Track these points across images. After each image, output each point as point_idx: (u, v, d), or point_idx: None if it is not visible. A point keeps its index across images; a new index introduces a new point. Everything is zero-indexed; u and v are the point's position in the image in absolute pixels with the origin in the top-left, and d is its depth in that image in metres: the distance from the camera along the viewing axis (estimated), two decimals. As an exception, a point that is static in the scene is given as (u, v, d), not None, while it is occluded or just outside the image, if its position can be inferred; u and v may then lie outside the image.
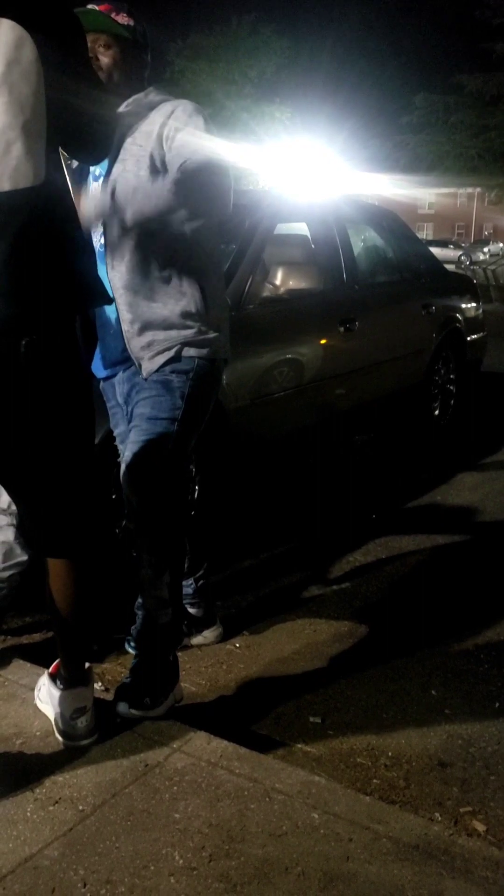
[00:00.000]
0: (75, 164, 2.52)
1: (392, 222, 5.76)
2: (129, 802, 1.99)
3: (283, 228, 4.44)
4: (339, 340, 4.48)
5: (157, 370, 2.33)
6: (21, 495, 2.10)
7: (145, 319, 2.31)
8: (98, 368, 2.50)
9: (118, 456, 2.88)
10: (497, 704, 2.69)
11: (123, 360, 2.40)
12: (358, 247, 5.23)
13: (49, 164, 1.82)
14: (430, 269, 5.98)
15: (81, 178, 2.43)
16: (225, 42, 30.54)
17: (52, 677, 2.24)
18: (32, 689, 2.37)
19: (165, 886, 1.74)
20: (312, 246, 4.61)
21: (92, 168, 2.40)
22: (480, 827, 2.12)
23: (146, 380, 2.35)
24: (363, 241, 5.52)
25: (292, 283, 3.95)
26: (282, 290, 3.96)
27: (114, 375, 2.48)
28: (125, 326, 2.33)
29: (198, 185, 2.18)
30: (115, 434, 2.65)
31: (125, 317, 2.32)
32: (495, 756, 2.42)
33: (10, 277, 1.79)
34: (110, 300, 2.22)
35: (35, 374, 1.87)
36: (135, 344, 2.33)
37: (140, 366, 2.35)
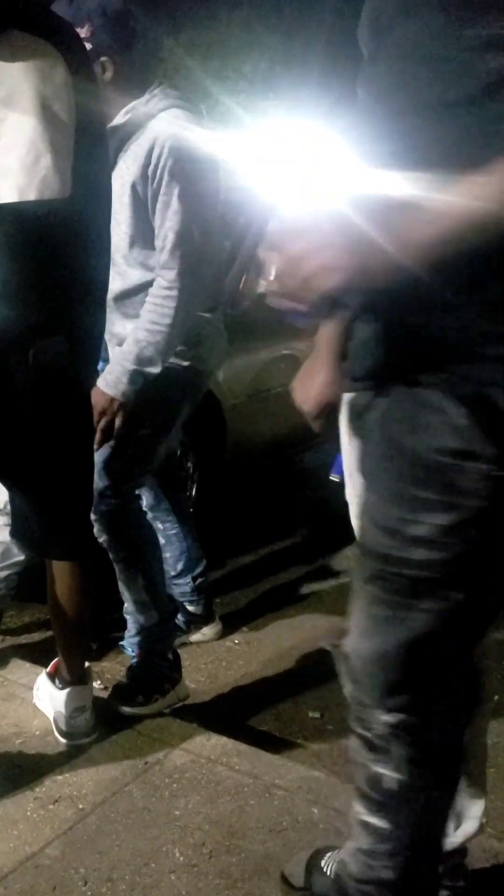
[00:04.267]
0: None
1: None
2: (129, 800, 1.99)
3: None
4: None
5: None
6: (25, 498, 2.10)
7: (121, 336, 2.30)
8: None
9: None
10: (496, 697, 2.68)
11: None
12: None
13: (87, 179, 1.82)
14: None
15: None
16: (218, 38, 30.48)
17: (51, 676, 2.24)
18: (31, 689, 2.37)
19: (166, 883, 1.75)
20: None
21: None
22: (480, 820, 2.12)
23: None
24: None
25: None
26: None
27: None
28: (106, 335, 2.29)
29: (175, 269, 2.20)
30: None
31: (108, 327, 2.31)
32: (494, 749, 2.41)
33: (26, 284, 1.80)
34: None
35: (41, 381, 1.88)
36: (114, 353, 2.31)
37: None
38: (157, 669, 2.44)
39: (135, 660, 2.49)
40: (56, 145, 1.76)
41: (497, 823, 2.12)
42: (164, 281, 2.21)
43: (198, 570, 2.87)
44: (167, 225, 2.19)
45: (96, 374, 2.14)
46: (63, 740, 2.19)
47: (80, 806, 1.97)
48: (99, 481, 2.27)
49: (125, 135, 2.23)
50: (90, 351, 2.00)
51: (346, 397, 1.47)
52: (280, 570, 3.59)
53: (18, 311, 1.81)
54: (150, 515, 2.74)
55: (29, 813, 1.95)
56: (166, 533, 2.79)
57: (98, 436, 2.23)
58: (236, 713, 2.57)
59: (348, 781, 2.19)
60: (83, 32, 2.15)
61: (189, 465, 3.56)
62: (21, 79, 1.71)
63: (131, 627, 2.53)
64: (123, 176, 2.21)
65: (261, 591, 3.41)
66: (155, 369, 2.24)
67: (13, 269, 1.78)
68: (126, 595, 2.47)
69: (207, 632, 2.97)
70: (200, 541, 2.89)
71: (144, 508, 2.71)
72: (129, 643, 2.57)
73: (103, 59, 2.20)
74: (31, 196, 1.75)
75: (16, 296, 1.80)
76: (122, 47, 2.23)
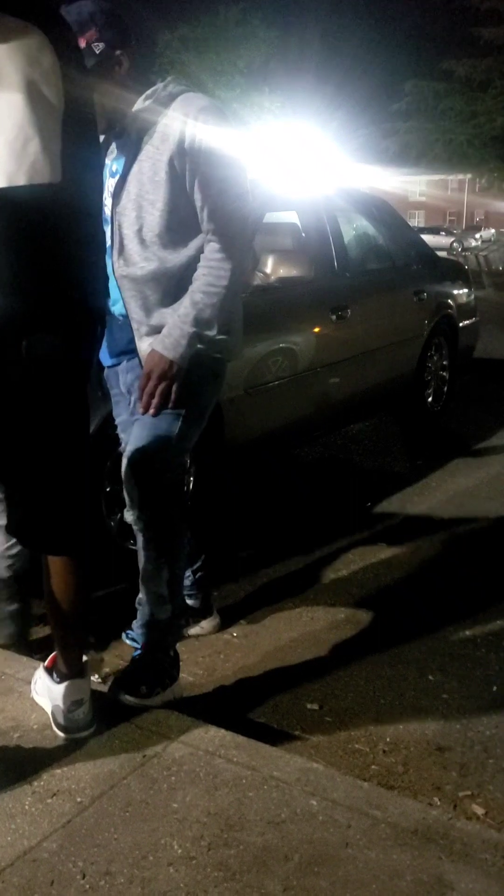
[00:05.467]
0: None
1: (383, 210, 5.74)
2: (127, 793, 1.99)
3: (273, 217, 4.42)
4: (332, 329, 4.47)
5: None
6: (20, 493, 2.09)
7: (154, 324, 2.31)
8: (104, 356, 2.50)
9: (116, 445, 2.88)
10: (495, 688, 2.69)
11: (129, 350, 2.41)
12: (349, 235, 5.20)
13: (76, 164, 1.81)
14: (422, 256, 5.97)
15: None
16: (214, 33, 30.40)
17: (49, 670, 2.24)
18: (29, 683, 2.37)
19: (164, 876, 1.74)
20: (303, 234, 4.60)
21: (108, 163, 2.38)
22: (479, 810, 2.13)
23: None
24: (354, 229, 5.50)
25: (283, 272, 3.93)
26: (272, 278, 3.95)
27: (118, 364, 2.49)
28: (133, 325, 2.34)
29: (226, 234, 2.23)
30: (116, 422, 2.65)
31: (134, 315, 2.33)
32: (493, 740, 2.42)
33: (18, 273, 1.78)
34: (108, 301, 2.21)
35: (35, 373, 1.86)
36: (142, 344, 2.33)
37: (143, 364, 2.34)
38: (160, 664, 2.44)
39: (138, 652, 2.49)
40: (45, 129, 1.74)
41: (496, 814, 2.12)
42: (218, 245, 2.23)
43: (197, 565, 2.87)
44: (214, 192, 2.21)
45: (91, 364, 2.12)
46: (61, 734, 2.18)
47: (79, 799, 1.97)
48: (156, 455, 2.32)
49: (148, 118, 2.25)
50: (87, 341, 1.98)
51: None
52: (277, 564, 3.59)
53: (10, 302, 1.79)
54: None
55: (27, 807, 1.95)
56: None
57: (156, 400, 2.26)
58: (234, 706, 2.56)
59: (346, 773, 2.20)
60: (91, 35, 2.19)
61: (186, 458, 3.55)
62: (8, 62, 1.70)
63: (141, 618, 2.51)
64: (154, 156, 2.22)
65: (258, 585, 3.40)
66: (211, 332, 2.26)
67: (4, 257, 1.76)
68: (146, 586, 2.46)
69: (206, 625, 2.97)
70: (198, 535, 2.89)
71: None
72: (137, 634, 2.55)
73: (118, 52, 2.24)
74: (21, 181, 1.74)
75: (7, 285, 1.78)
76: (129, 40, 2.28)
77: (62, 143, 1.78)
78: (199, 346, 2.26)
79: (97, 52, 2.21)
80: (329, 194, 5.01)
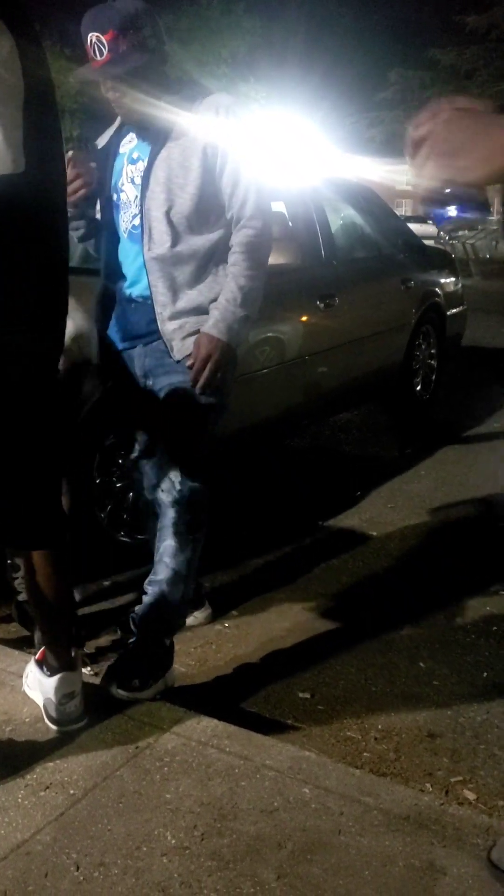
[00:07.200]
0: (101, 143, 2.53)
1: (369, 199, 5.73)
2: (120, 785, 1.99)
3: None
4: (319, 317, 4.46)
5: (190, 353, 2.38)
6: None
7: (181, 307, 2.37)
8: (115, 340, 2.53)
9: (105, 437, 2.89)
10: (485, 674, 2.70)
11: (148, 333, 2.43)
12: (336, 224, 5.20)
13: (39, 154, 1.78)
14: (409, 245, 5.96)
15: (108, 156, 2.46)
16: (198, 23, 30.23)
17: (40, 664, 2.23)
18: (20, 677, 2.36)
19: (158, 866, 1.75)
20: (290, 223, 4.58)
21: (125, 151, 2.42)
22: (471, 795, 2.14)
23: (178, 361, 2.39)
24: (341, 218, 5.49)
25: (270, 261, 3.91)
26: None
27: (132, 348, 2.50)
28: (158, 308, 2.38)
29: (260, 221, 2.37)
30: (117, 404, 2.68)
31: (159, 299, 2.37)
32: (484, 725, 2.43)
33: None
34: None
35: (4, 367, 1.84)
36: (167, 326, 2.38)
37: (171, 347, 2.39)
38: (155, 654, 2.44)
39: (133, 640, 2.48)
40: (5, 117, 1.70)
41: (487, 799, 2.13)
42: (252, 230, 2.36)
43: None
44: (245, 180, 2.33)
45: (58, 357, 2.08)
46: (53, 727, 2.18)
47: (72, 792, 1.97)
48: (196, 435, 2.43)
49: (178, 111, 2.31)
50: (54, 333, 1.96)
51: None
52: (268, 553, 3.59)
53: None
54: (149, 497, 2.73)
55: (20, 800, 1.95)
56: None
57: (211, 381, 2.36)
58: (227, 696, 2.57)
59: (339, 761, 2.21)
60: (136, 38, 2.22)
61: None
62: None
63: (148, 601, 2.48)
64: (184, 143, 2.30)
65: (250, 575, 3.40)
66: (256, 315, 2.41)
67: None
68: (165, 563, 2.45)
69: (198, 616, 2.96)
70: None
71: (145, 490, 2.71)
72: (139, 616, 2.50)
73: (165, 47, 2.33)
74: None
75: None
76: (161, 37, 2.34)
77: (24, 131, 1.74)
78: (247, 327, 2.40)
79: (137, 49, 2.23)
80: (315, 183, 5.00)
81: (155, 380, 2.45)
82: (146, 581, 2.52)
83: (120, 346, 2.52)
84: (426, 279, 5.89)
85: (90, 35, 2.23)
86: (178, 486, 2.42)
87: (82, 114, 18.78)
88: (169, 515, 2.44)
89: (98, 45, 2.22)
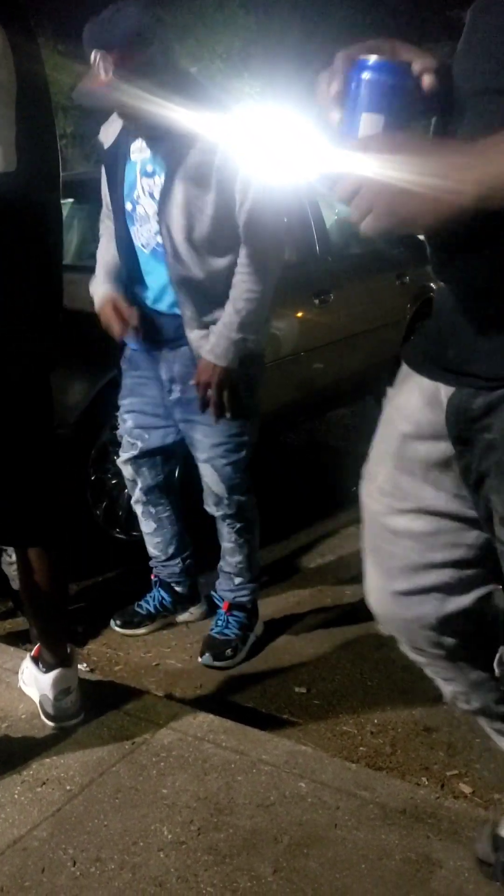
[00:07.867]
0: (107, 142, 2.49)
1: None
2: (116, 780, 1.99)
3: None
4: (315, 313, 4.46)
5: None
6: None
7: (207, 319, 2.39)
8: (136, 340, 2.55)
9: (100, 434, 2.89)
10: (481, 668, 2.70)
11: (176, 338, 2.46)
12: (330, 219, 5.19)
13: (32, 152, 1.76)
14: (403, 240, 5.95)
15: (116, 159, 2.43)
16: (193, 19, 30.16)
17: (35, 660, 2.23)
18: (16, 673, 2.36)
19: (155, 861, 1.75)
20: (284, 219, 4.57)
21: (135, 157, 2.39)
22: (467, 789, 2.14)
23: None
24: (335, 213, 5.48)
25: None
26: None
27: (157, 349, 2.53)
28: (185, 318, 2.40)
29: (260, 238, 2.35)
30: (123, 403, 2.70)
31: (186, 311, 2.39)
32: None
33: None
34: None
35: (8, 366, 1.84)
36: (193, 335, 2.41)
37: (199, 355, 2.42)
38: (240, 620, 2.73)
39: (220, 618, 2.75)
40: None
41: (483, 792, 2.13)
42: (252, 249, 2.34)
43: (185, 553, 2.87)
44: (253, 199, 2.30)
45: (53, 355, 2.07)
46: (49, 723, 2.18)
47: (68, 787, 1.97)
48: (235, 455, 2.54)
49: (191, 125, 2.27)
50: (48, 333, 1.95)
51: (447, 394, 1.34)
52: (264, 549, 3.57)
53: None
54: (144, 499, 2.75)
55: (16, 796, 1.95)
56: (158, 516, 2.79)
57: (218, 407, 2.41)
58: (222, 691, 2.57)
59: (335, 755, 2.21)
60: (143, 57, 2.14)
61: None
62: None
63: (224, 582, 2.76)
64: (198, 158, 2.26)
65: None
66: (253, 336, 2.39)
67: None
68: (227, 560, 2.72)
69: (195, 611, 2.97)
70: (185, 521, 2.89)
71: (140, 491, 2.73)
72: (218, 595, 2.79)
73: (175, 57, 2.29)
74: None
75: None
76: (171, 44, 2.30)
77: (16, 129, 1.72)
78: (247, 348, 2.38)
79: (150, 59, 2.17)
80: (309, 179, 4.99)
81: (186, 389, 2.48)
82: (218, 566, 2.76)
83: (143, 345, 2.54)
84: (421, 274, 5.89)
85: (94, 52, 2.12)
86: (225, 501, 2.60)
87: (76, 110, 18.75)
88: (221, 526, 2.68)
89: (103, 64, 2.12)
